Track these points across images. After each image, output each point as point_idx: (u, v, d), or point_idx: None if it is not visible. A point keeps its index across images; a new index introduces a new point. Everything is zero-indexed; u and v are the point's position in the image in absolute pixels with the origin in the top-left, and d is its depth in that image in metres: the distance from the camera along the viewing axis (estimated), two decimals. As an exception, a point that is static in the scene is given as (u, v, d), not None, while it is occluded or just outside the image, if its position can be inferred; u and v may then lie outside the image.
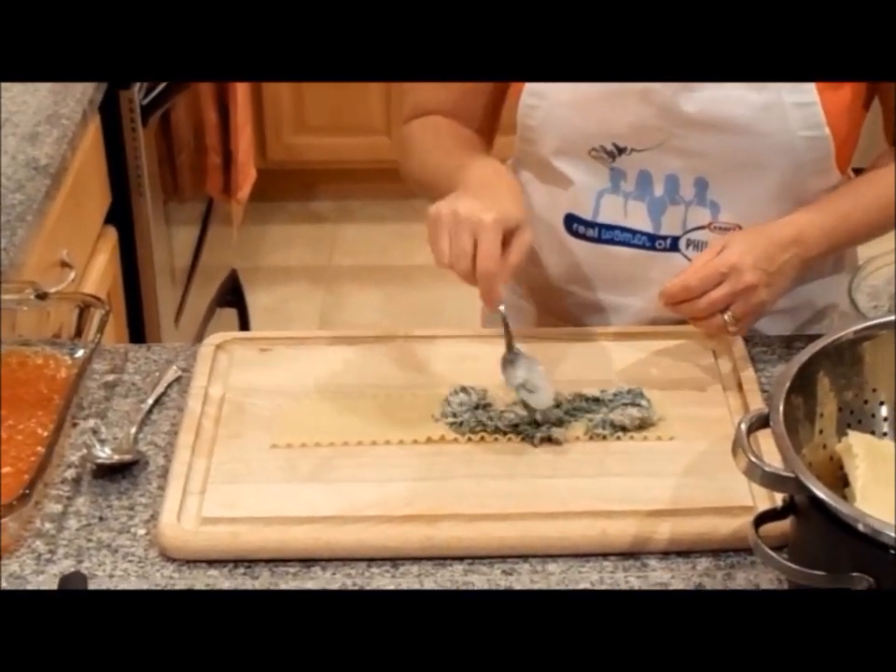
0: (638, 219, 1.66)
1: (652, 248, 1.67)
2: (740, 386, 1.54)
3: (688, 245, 1.66)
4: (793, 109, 1.57)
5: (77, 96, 2.19)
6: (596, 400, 1.50)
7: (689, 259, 1.64)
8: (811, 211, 1.60)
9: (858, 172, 1.69)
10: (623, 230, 1.67)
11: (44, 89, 2.19)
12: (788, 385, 1.27)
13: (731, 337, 1.59)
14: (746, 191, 1.62)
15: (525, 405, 1.47)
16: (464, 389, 1.52)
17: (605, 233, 1.68)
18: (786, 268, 1.55)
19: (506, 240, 1.45)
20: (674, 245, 1.67)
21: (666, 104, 1.58)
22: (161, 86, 2.50)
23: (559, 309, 1.76)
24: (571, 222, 1.69)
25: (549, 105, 1.62)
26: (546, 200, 1.70)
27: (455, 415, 1.49)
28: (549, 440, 1.45)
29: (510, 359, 1.51)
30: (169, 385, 1.57)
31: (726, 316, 1.52)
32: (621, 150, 1.62)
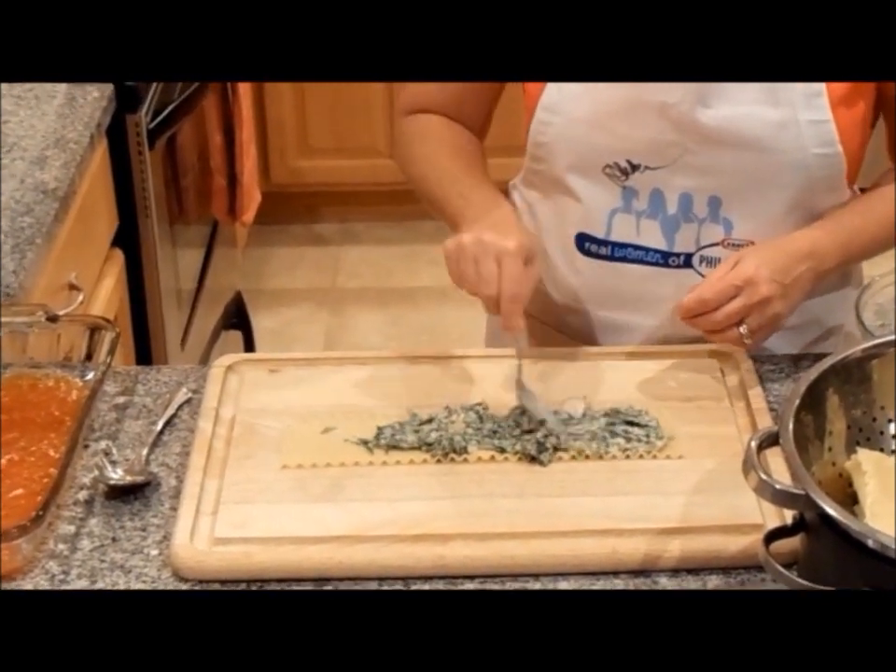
0: (651, 237, 1.67)
1: (666, 265, 1.68)
2: (748, 405, 1.54)
3: (701, 262, 1.67)
4: (808, 126, 1.58)
5: (85, 120, 2.20)
6: (605, 419, 1.51)
7: (702, 276, 1.65)
8: (824, 225, 1.61)
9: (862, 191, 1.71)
10: (636, 247, 1.68)
11: (51, 113, 2.21)
12: (797, 402, 1.28)
13: (739, 355, 1.60)
14: (758, 208, 1.63)
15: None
16: (471, 408, 1.53)
17: (617, 251, 1.69)
18: (801, 280, 1.56)
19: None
20: (687, 262, 1.68)
21: (683, 119, 1.59)
22: (168, 109, 2.51)
23: (571, 328, 1.76)
24: (583, 241, 1.70)
25: (563, 122, 1.64)
26: (556, 219, 1.71)
27: (462, 435, 1.49)
28: (559, 458, 1.47)
29: (519, 385, 1.54)
30: (180, 407, 1.57)
31: (742, 329, 1.53)
32: (634, 167, 1.64)
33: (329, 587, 1.33)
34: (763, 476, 1.22)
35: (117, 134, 2.36)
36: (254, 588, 1.34)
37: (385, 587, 1.34)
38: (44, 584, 1.34)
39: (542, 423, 1.49)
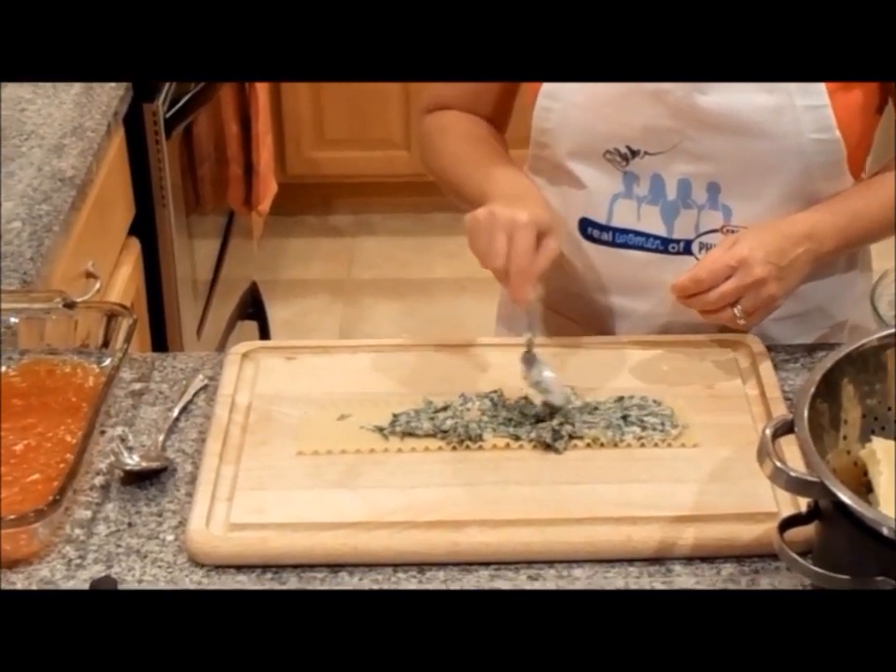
0: (652, 223, 1.68)
1: (666, 252, 1.68)
2: (763, 394, 1.54)
3: (701, 249, 1.67)
4: (804, 112, 1.58)
5: (103, 109, 2.21)
6: (620, 407, 1.51)
7: None
8: (824, 207, 1.61)
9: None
10: (637, 233, 1.68)
11: (69, 102, 2.22)
12: (812, 391, 1.28)
13: (754, 344, 1.61)
14: (757, 195, 1.63)
15: (544, 403, 1.50)
16: (486, 396, 1.53)
17: (619, 237, 1.69)
18: (797, 263, 1.56)
19: (538, 242, 1.49)
20: (687, 249, 1.68)
21: (680, 104, 1.59)
22: (185, 99, 2.52)
23: (572, 313, 1.77)
24: (586, 226, 1.70)
25: (564, 108, 1.64)
26: (559, 205, 1.71)
27: (477, 422, 1.49)
28: (574, 446, 1.47)
29: (528, 359, 1.54)
30: (196, 394, 1.58)
31: (736, 310, 1.54)
32: (634, 153, 1.64)
33: (344, 573, 1.34)
34: (778, 464, 1.22)
35: (134, 123, 2.37)
36: (269, 574, 1.34)
37: (400, 573, 1.34)
38: (60, 569, 1.34)
39: (555, 410, 1.50)
